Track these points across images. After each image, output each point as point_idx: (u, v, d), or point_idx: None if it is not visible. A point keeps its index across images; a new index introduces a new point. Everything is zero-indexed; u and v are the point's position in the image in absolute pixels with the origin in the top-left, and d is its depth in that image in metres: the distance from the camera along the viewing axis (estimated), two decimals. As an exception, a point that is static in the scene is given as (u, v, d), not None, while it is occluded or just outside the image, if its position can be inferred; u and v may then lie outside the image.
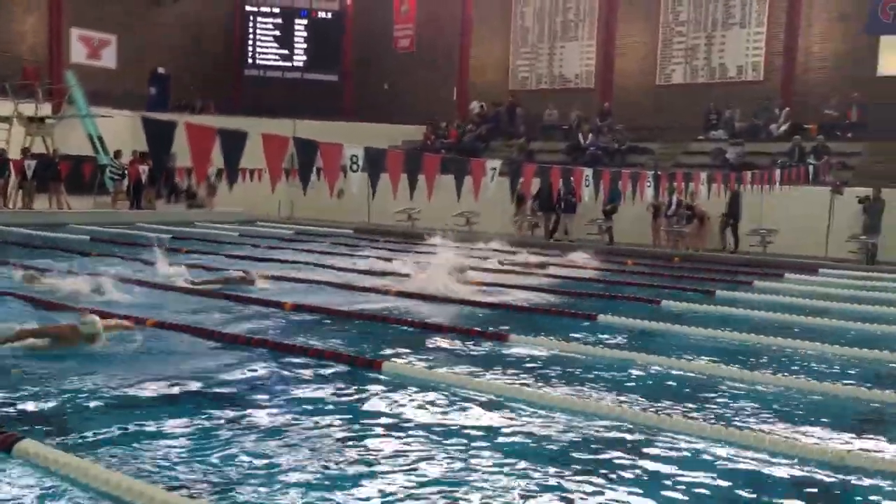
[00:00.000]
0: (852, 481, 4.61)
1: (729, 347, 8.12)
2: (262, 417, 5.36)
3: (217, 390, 5.92)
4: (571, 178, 11.49)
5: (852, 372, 7.27)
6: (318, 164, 7.52)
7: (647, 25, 24.93)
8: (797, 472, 4.72)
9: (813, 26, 22.43)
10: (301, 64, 30.92)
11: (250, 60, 30.73)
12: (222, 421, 5.25)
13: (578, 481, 4.50)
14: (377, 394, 6.08)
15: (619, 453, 4.94)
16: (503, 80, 27.80)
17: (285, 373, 6.52)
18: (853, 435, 5.50)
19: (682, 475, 4.62)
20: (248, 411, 5.48)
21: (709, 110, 22.64)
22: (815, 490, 4.52)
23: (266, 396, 5.88)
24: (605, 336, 8.42)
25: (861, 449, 5.08)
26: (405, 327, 8.59)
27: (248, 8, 30.65)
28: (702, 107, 22.84)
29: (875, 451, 5.02)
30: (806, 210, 16.80)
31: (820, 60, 22.38)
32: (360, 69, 30.52)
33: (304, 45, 30.90)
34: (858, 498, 4.42)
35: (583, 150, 22.49)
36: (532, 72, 27.30)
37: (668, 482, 4.52)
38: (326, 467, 4.56)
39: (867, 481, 4.59)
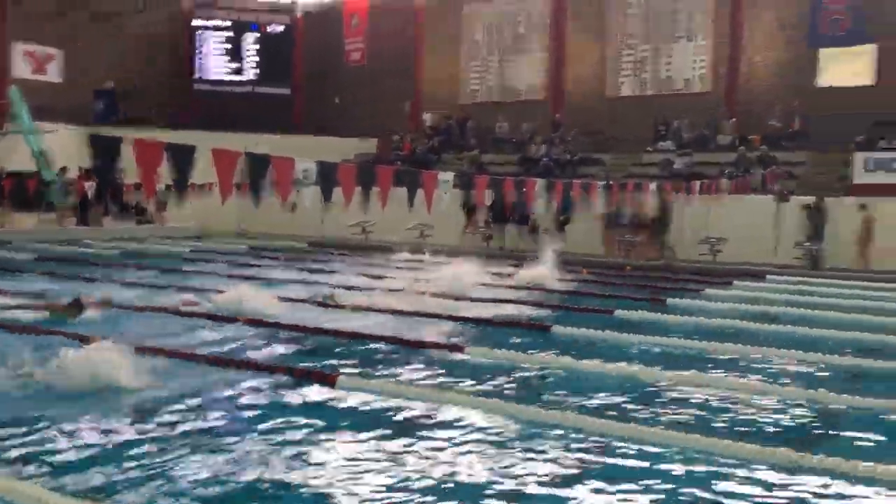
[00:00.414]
0: (801, 483, 4.71)
1: (681, 354, 8.24)
2: (210, 433, 5.28)
3: (169, 405, 5.82)
4: (524, 190, 11.59)
5: (800, 375, 7.43)
6: (270, 178, 7.48)
7: (597, 38, 25.28)
8: (748, 476, 4.81)
9: (755, 39, 22.98)
10: (252, 78, 30.68)
11: (200, 75, 30.39)
12: (176, 435, 5.16)
13: (536, 491, 4.52)
14: (333, 408, 6.03)
15: (574, 462, 4.98)
16: (454, 92, 27.93)
17: (238, 388, 6.44)
18: (802, 437, 5.63)
19: (637, 482, 4.67)
20: (198, 426, 5.40)
21: (657, 121, 23.03)
22: (765, 492, 4.60)
23: (216, 412, 5.79)
24: (560, 346, 8.48)
25: (810, 451, 5.19)
26: (363, 341, 8.54)
27: (196, 22, 30.33)
28: (651, 118, 23.23)
29: (823, 453, 5.13)
30: (753, 218, 17.15)
31: (763, 72, 22.94)
32: (312, 83, 30.39)
33: (255, 59, 30.66)
34: (807, 499, 4.51)
35: (535, 161, 22.69)
36: (483, 84, 27.48)
37: (622, 489, 4.56)
38: (280, 483, 4.51)
39: (816, 482, 4.69)
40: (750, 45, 22.85)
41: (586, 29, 25.32)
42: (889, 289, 13.40)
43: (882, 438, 5.58)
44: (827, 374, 7.50)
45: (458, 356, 7.87)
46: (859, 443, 5.50)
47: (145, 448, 4.97)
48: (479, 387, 6.78)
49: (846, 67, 21.52)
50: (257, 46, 30.58)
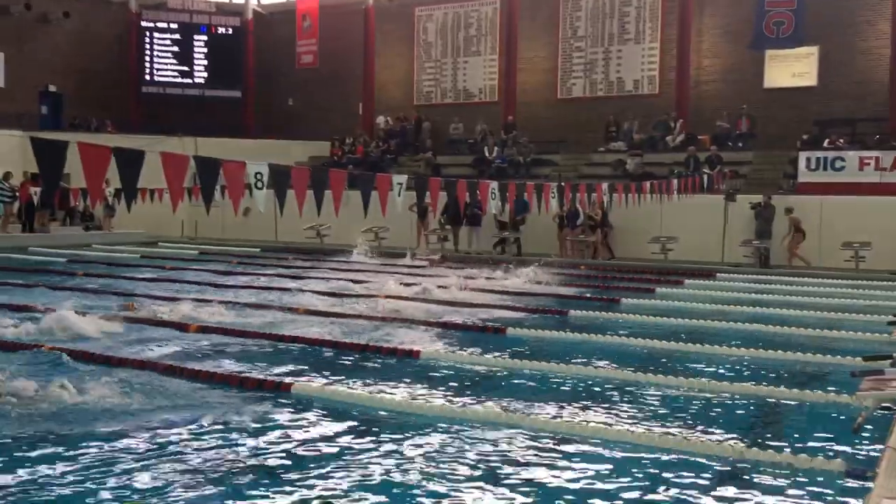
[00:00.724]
0: (751, 476, 4.80)
1: (634, 353, 8.33)
2: (167, 441, 5.19)
3: (122, 415, 5.70)
4: (477, 191, 11.61)
5: (750, 371, 7.58)
6: (221, 182, 7.37)
7: (548, 40, 25.49)
8: (700, 470, 4.88)
9: (703, 41, 23.40)
10: (202, 81, 30.27)
11: (148, 77, 29.88)
12: (132, 444, 5.06)
13: (492, 491, 4.53)
14: (288, 416, 5.97)
15: (531, 461, 5.00)
16: (408, 94, 27.92)
17: (192, 397, 6.34)
18: (752, 431, 5.74)
19: (593, 479, 4.71)
20: (154, 434, 5.30)
21: (609, 123, 23.30)
22: (717, 486, 4.68)
23: (171, 420, 5.69)
24: (515, 348, 8.52)
25: (759, 445, 5.29)
26: (317, 347, 8.47)
27: (143, 23, 29.81)
28: (602, 120, 23.49)
29: (772, 447, 5.23)
30: (702, 217, 17.44)
31: (710, 74, 23.36)
32: (263, 86, 30.10)
33: (205, 62, 30.25)
34: (757, 492, 4.59)
35: (489, 163, 22.79)
36: (437, 86, 27.52)
37: (578, 487, 4.60)
38: (234, 492, 4.45)
39: (765, 476, 4.79)
40: (697, 47, 23.25)
41: (537, 31, 25.51)
42: (835, 285, 13.73)
43: (825, 433, 5.71)
44: (777, 369, 7.65)
45: (414, 360, 7.85)
46: (804, 436, 5.62)
47: (98, 457, 4.87)
48: (433, 390, 6.78)
49: (790, 69, 22.04)
50: (206, 49, 30.19)
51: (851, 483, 4.60)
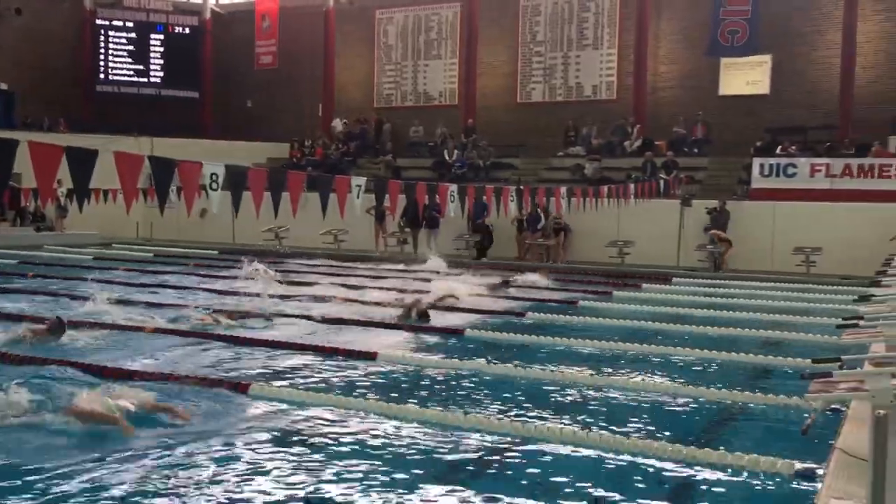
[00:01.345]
0: (702, 477, 4.87)
1: (591, 355, 8.40)
2: (122, 445, 5.10)
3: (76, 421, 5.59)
4: (437, 194, 11.61)
5: (701, 374, 7.68)
6: (176, 183, 7.27)
7: (507, 45, 25.62)
8: (652, 472, 4.94)
9: (660, 48, 23.72)
10: (158, 80, 29.83)
11: (103, 76, 29.35)
12: (88, 449, 4.97)
13: (449, 492, 4.53)
14: (246, 417, 5.91)
15: (488, 463, 5.02)
16: (368, 97, 27.85)
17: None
18: (703, 433, 5.82)
19: (548, 481, 4.73)
20: (106, 436, 5.21)
21: (567, 128, 23.49)
22: (668, 487, 4.74)
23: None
24: (472, 349, 8.54)
25: (710, 446, 5.36)
26: (273, 349, 8.39)
27: (98, 21, 29.29)
28: (561, 124, 23.68)
29: (723, 448, 5.32)
30: (659, 222, 17.67)
31: (667, 80, 23.69)
32: (221, 86, 29.76)
33: (161, 61, 29.81)
34: (708, 494, 4.66)
35: (448, 166, 22.82)
36: (397, 89, 27.49)
37: (534, 490, 4.62)
38: (194, 493, 4.40)
39: (716, 477, 4.86)
40: (655, 53, 23.56)
41: (496, 35, 25.62)
42: (786, 288, 14.00)
43: (775, 435, 5.81)
44: (727, 372, 7.77)
45: (370, 362, 7.82)
46: (754, 437, 5.71)
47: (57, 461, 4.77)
48: (390, 392, 6.77)
49: (745, 77, 22.47)
50: (163, 48, 29.76)
51: (801, 484, 4.70)
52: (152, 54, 29.72)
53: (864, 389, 3.79)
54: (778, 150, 19.41)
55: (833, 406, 5.74)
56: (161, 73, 29.77)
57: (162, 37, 29.78)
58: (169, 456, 4.99)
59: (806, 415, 5.90)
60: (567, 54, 24.82)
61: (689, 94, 23.05)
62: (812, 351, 8.40)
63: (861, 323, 5.39)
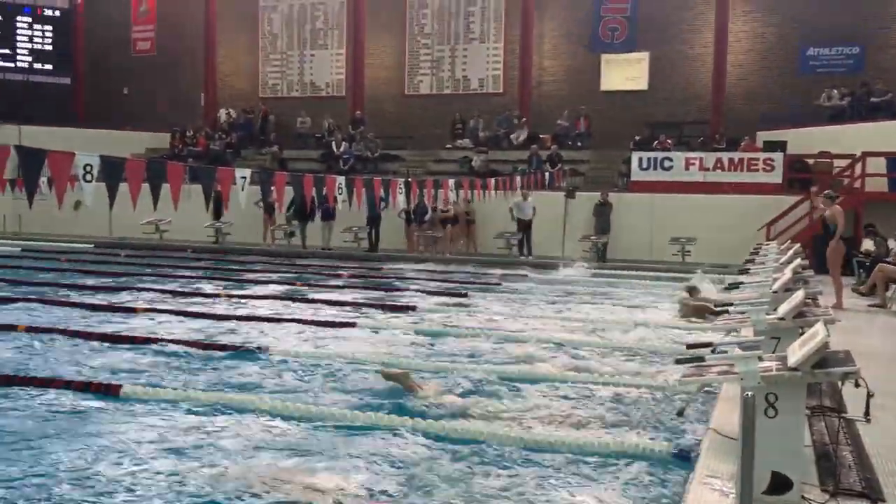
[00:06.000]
0: (582, 460, 5.01)
1: (483, 347, 8.44)
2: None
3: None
4: (324, 187, 11.45)
5: (579, 359, 7.84)
6: (46, 174, 6.88)
7: (395, 36, 25.54)
8: (535, 457, 5.04)
9: (544, 43, 24.19)
10: (25, 65, 28.17)
11: (-36, 59, 27.50)
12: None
13: (343, 491, 4.50)
14: (116, 419, 5.68)
15: (373, 460, 5.01)
16: (254, 86, 27.18)
17: (14, 402, 5.92)
18: (581, 416, 5.94)
19: (415, 471, 4.77)
20: None
21: (455, 120, 23.66)
22: (549, 470, 4.86)
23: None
24: (364, 343, 8.49)
25: (586, 428, 5.52)
26: (150, 346, 8.09)
27: (-41, 1, 27.42)
28: (448, 117, 23.82)
29: (601, 431, 5.49)
30: (544, 213, 18.05)
31: (551, 75, 24.21)
32: (95, 72, 28.39)
33: (29, 45, 28.17)
34: (587, 476, 4.81)
35: (336, 158, 22.58)
36: (283, 79, 26.96)
37: (403, 480, 4.64)
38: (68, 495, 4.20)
39: (594, 459, 5.01)
40: (539, 49, 24.02)
41: (383, 26, 25.50)
42: (667, 277, 14.59)
43: (652, 417, 6.05)
44: (614, 356, 8.02)
45: (256, 358, 7.67)
46: (632, 420, 5.91)
47: None
48: (279, 387, 6.66)
49: (624, 73, 23.23)
50: (31, 30, 28.12)
51: (677, 464, 4.90)
52: (19, 37, 28.05)
53: (734, 372, 4.00)
54: (655, 145, 20.18)
55: (707, 388, 6.04)
56: (29, 58, 28.14)
57: (29, 19, 28.14)
58: (33, 462, 4.74)
59: (681, 398, 6.20)
60: (454, 47, 24.99)
61: (572, 88, 23.63)
62: (686, 337, 8.77)
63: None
